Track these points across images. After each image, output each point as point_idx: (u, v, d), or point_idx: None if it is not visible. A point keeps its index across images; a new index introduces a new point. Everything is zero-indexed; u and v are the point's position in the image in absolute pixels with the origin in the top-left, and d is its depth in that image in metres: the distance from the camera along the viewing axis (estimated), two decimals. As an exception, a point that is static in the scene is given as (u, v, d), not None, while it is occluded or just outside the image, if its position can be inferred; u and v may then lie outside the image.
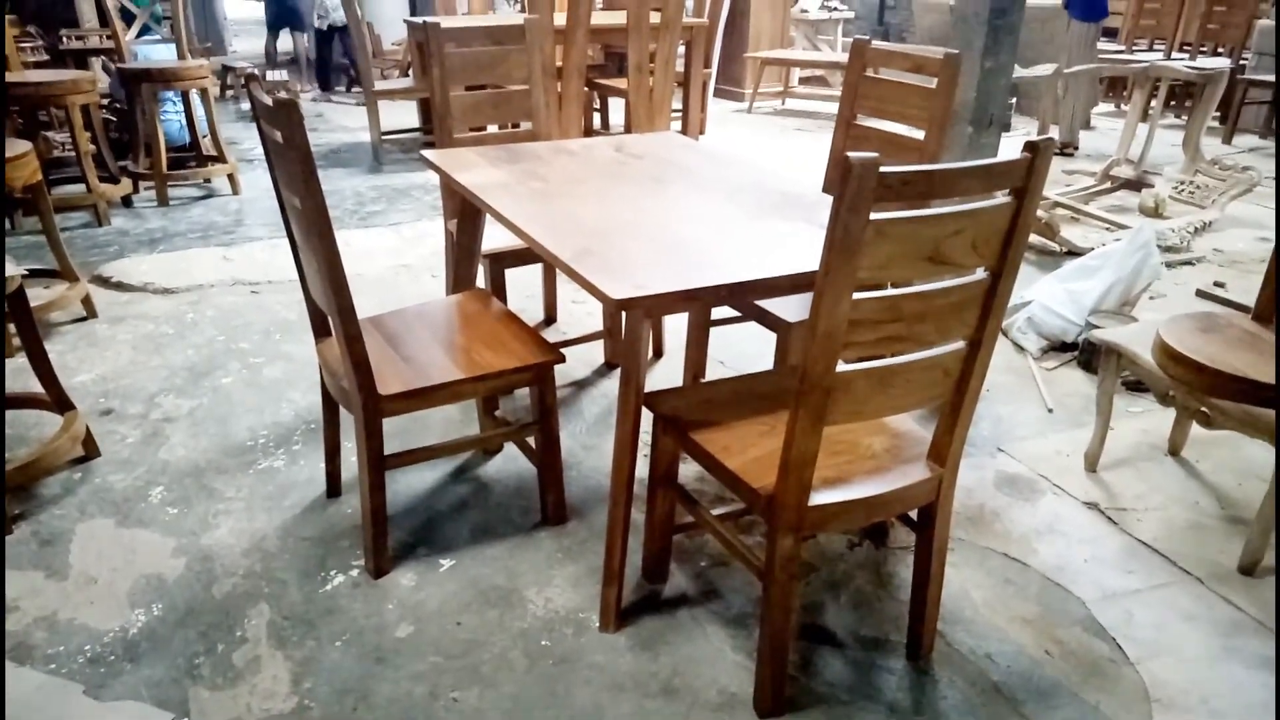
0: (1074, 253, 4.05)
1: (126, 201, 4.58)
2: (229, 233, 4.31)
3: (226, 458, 2.53)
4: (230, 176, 4.87)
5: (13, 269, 2.20)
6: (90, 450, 2.50)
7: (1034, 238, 4.30)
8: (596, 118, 6.69)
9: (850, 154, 1.27)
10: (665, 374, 3.03)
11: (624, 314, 1.75)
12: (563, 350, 2.89)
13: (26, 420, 2.65)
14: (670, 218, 2.03)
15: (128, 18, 4.68)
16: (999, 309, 1.53)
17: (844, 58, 8.35)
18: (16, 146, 3.07)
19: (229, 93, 7.92)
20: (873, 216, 1.32)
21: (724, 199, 2.18)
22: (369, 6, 8.45)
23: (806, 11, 8.60)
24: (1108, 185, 5.18)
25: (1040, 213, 4.24)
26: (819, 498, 1.60)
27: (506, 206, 2.07)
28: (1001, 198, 1.43)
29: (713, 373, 2.94)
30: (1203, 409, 2.17)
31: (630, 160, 2.52)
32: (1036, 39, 6.91)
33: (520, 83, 2.99)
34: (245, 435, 2.64)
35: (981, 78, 2.72)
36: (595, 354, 3.12)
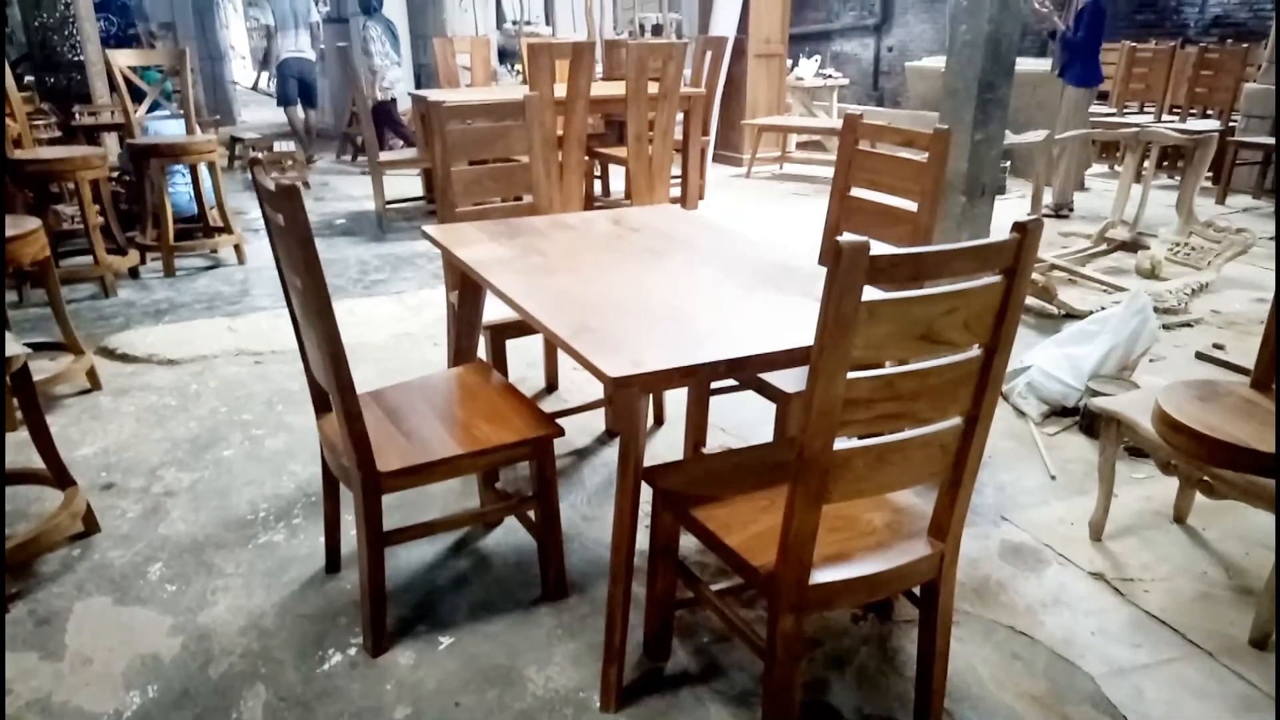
0: (1072, 315, 4.07)
1: (134, 273, 4.64)
2: (234, 303, 4.35)
3: (226, 532, 2.52)
4: (236, 247, 4.93)
5: (16, 348, 2.22)
6: (90, 526, 2.49)
7: (1032, 300, 4.33)
8: (598, 185, 6.79)
9: (841, 238, 1.29)
10: (667, 441, 3.03)
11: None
12: (564, 418, 2.91)
13: (27, 495, 2.64)
14: (667, 292, 2.05)
15: (138, 95, 4.79)
16: (994, 385, 1.54)
17: (839, 123, 8.54)
18: (25, 223, 3.12)
19: (237, 163, 8.06)
20: (865, 298, 1.33)
21: (721, 272, 2.21)
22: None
23: (802, 79, 8.79)
24: (1104, 247, 5.22)
25: (1037, 276, 4.28)
26: (820, 576, 1.59)
27: (506, 282, 2.09)
28: (992, 277, 1.45)
29: (714, 440, 2.94)
30: (1205, 478, 2.16)
31: (628, 233, 2.55)
32: (1028, 104, 7.04)
33: (520, 156, 3.05)
34: (246, 509, 2.63)
35: (972, 149, 2.77)
36: (596, 422, 3.12)
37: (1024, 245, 1.43)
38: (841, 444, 1.45)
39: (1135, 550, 2.44)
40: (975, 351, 1.51)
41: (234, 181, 7.52)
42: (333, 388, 1.86)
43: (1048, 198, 6.25)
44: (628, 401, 1.75)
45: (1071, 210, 6.27)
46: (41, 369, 3.38)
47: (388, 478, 1.94)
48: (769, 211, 6.47)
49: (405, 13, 9.18)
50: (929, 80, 8.74)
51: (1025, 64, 7.31)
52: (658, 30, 10.40)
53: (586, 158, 5.89)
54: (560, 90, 5.18)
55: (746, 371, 1.94)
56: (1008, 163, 7.13)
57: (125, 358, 3.70)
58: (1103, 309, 3.94)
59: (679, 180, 6.19)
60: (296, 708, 1.90)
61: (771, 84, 8.24)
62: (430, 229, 2.57)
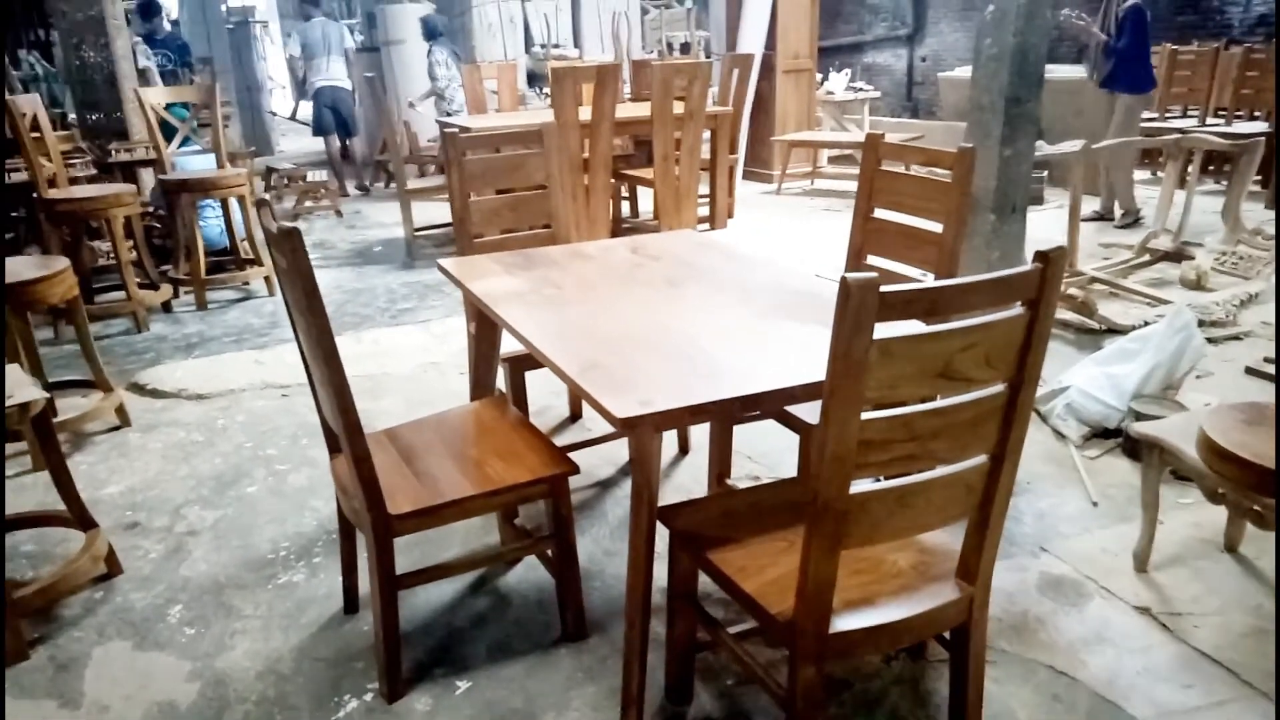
0: (1114, 330, 3.94)
1: (166, 307, 4.70)
2: (262, 335, 4.37)
3: (247, 572, 2.50)
4: (266, 279, 4.98)
5: (34, 392, 2.23)
6: (113, 568, 2.49)
7: (1072, 316, 4.20)
8: (626, 207, 6.77)
9: (848, 275, 1.23)
10: (691, 471, 2.96)
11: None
12: (587, 449, 2.86)
13: (52, 537, 2.65)
14: (683, 324, 1.99)
15: (171, 132, 4.86)
16: (1021, 422, 1.46)
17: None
18: (54, 264, 3.16)
19: (271, 193, 8.17)
20: (877, 336, 1.27)
21: (739, 301, 2.15)
22: (405, 104, 8.73)
23: (832, 93, 8.71)
24: (1146, 258, 5.07)
25: (1075, 290, 4.15)
26: (841, 623, 1.52)
27: (517, 317, 2.05)
28: (1014, 310, 1.38)
29: (740, 469, 2.87)
30: (1256, 507, 2.04)
31: (646, 262, 2.50)
32: (1064, 111, 6.89)
33: (540, 185, 3.01)
34: (267, 547, 2.61)
35: (1001, 165, 2.68)
36: (620, 452, 3.06)
37: (1047, 275, 1.36)
38: (859, 487, 1.39)
39: (1184, 582, 2.33)
40: (999, 387, 1.43)
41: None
42: (341, 430, 1.83)
43: (1089, 207, 6.09)
44: (640, 441, 1.69)
45: (1140, 218, 6.04)
46: (73, 406, 3.42)
47: (398, 520, 1.90)
48: (799, 229, 6.39)
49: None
50: (962, 90, 8.61)
51: (1062, 71, 7.16)
52: (686, 49, 10.38)
53: (614, 180, 5.87)
54: (586, 114, 5.17)
55: (762, 408, 1.88)
56: (1045, 172, 6.98)
57: (155, 393, 3.73)
58: (1145, 324, 3.81)
59: (707, 200, 6.15)
60: (310, 758, 1.86)
61: (801, 99, 8.17)
62: (445, 262, 2.54)
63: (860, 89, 8.92)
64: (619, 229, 6.22)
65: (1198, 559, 2.42)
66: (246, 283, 5.07)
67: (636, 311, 2.10)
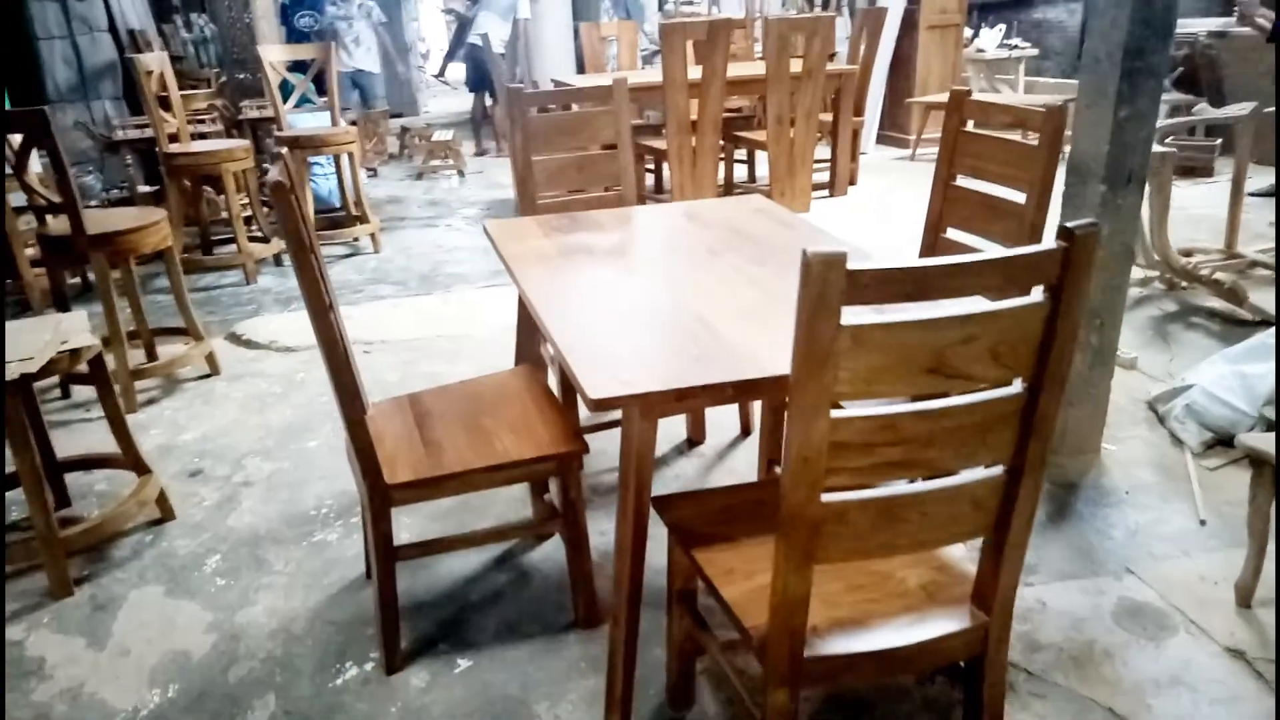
0: (1268, 323, 3.45)
1: (277, 260, 4.86)
2: (358, 291, 4.45)
3: (286, 527, 2.52)
4: (372, 235, 5.06)
5: (88, 338, 2.29)
6: (165, 513, 2.56)
7: (1218, 304, 3.72)
8: (744, 170, 6.52)
9: (811, 250, 1.04)
10: (748, 456, 2.78)
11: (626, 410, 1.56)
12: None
13: (124, 480, 2.74)
14: (703, 298, 1.82)
15: (290, 90, 5.00)
16: (1042, 430, 1.23)
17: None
18: (151, 215, 3.28)
19: (405, 152, 8.36)
20: (847, 321, 1.07)
21: (775, 275, 1.95)
22: (535, 65, 8.73)
23: (984, 51, 8.09)
24: (1324, 240, 4.43)
25: (1222, 275, 3.67)
26: (825, 645, 1.34)
27: (531, 282, 1.94)
28: (1031, 297, 1.14)
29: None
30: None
31: (695, 230, 2.33)
32: (1239, 73, 6.13)
33: (610, 145, 2.87)
34: (311, 503, 2.63)
35: (1115, 128, 2.33)
36: (666, 435, 2.91)
37: (1072, 258, 1.12)
38: (837, 496, 1.20)
39: (1296, 623, 1.98)
40: (1015, 389, 1.20)
41: (399, 170, 7.81)
42: (335, 394, 1.78)
43: (1264, 180, 5.40)
44: (628, 423, 1.55)
45: None
46: (166, 353, 3.56)
47: (396, 490, 1.84)
48: (922, 198, 5.96)
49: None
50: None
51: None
52: (828, 5, 9.91)
53: (726, 142, 5.65)
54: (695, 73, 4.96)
55: (762, 395, 1.70)
56: (1218, 141, 6.25)
57: (248, 344, 3.85)
58: (1302, 316, 3.31)
59: (827, 165, 5.83)
60: (298, 722, 1.84)
61: (946, 57, 7.62)
62: (491, 224, 2.45)
63: (1015, 46, 8.25)
64: (730, 193, 6.00)
65: (1320, 597, 2.06)
66: (356, 239, 5.18)
67: (657, 282, 1.95)
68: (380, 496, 1.83)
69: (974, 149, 2.22)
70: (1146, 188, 3.69)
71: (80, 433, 3.09)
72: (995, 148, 2.16)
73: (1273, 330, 2.79)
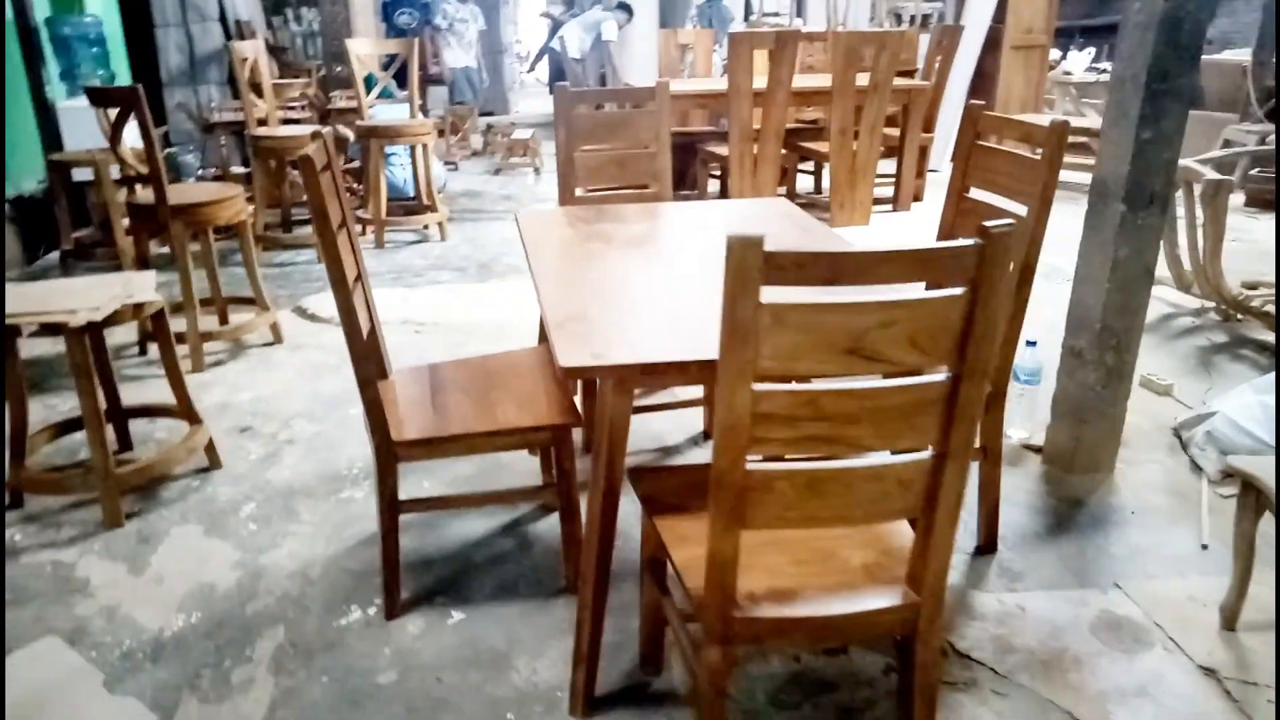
0: (1320, 358, 3.36)
1: (350, 242, 5.12)
2: (418, 275, 4.67)
3: (319, 483, 2.71)
4: (440, 224, 5.29)
5: (152, 294, 2.52)
6: (213, 462, 2.78)
7: (1271, 337, 3.63)
8: (810, 181, 6.56)
9: (732, 233, 1.14)
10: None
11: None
12: (661, 411, 2.84)
13: (181, 430, 2.97)
14: (699, 290, 1.93)
15: (377, 85, 5.28)
16: (964, 417, 1.29)
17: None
18: (227, 190, 3.54)
19: (488, 149, 8.65)
20: (768, 300, 1.17)
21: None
22: (623, 71, 8.94)
23: (1070, 74, 7.94)
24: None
25: (1272, 309, 3.58)
26: (760, 609, 1.43)
27: (541, 264, 2.07)
28: (952, 290, 1.22)
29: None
30: (1350, 572, 1.69)
31: (712, 227, 2.43)
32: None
33: (647, 145, 2.99)
34: (344, 464, 2.82)
35: (1137, 149, 2.34)
36: (695, 421, 3.01)
37: (987, 255, 1.19)
38: (763, 465, 1.29)
39: (1278, 649, 1.97)
40: (939, 377, 1.28)
41: (479, 165, 8.08)
42: (351, 357, 1.94)
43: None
44: (602, 394, 1.67)
45: None
46: (239, 321, 3.82)
47: (402, 447, 1.99)
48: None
49: (657, 8, 9.39)
50: (1227, 76, 7.61)
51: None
52: (916, 21, 9.84)
53: (790, 151, 5.71)
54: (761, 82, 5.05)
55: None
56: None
57: (312, 317, 4.10)
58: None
59: (892, 179, 5.83)
60: (301, 654, 2.01)
61: (1030, 78, 7.51)
62: (522, 214, 2.60)
63: (1105, 70, 8.07)
64: (793, 202, 6.05)
65: (1309, 627, 2.04)
66: (426, 226, 5.42)
67: (657, 271, 2.06)
68: (387, 452, 1.99)
69: (986, 162, 2.26)
70: (1200, 215, 3.64)
71: (151, 386, 3.35)
72: (1003, 161, 2.21)
73: (1303, 362, 2.74)
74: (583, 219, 2.50)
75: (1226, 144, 6.65)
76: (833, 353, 1.21)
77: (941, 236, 2.42)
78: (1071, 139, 7.49)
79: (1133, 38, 2.35)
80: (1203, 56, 7.41)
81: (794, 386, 1.25)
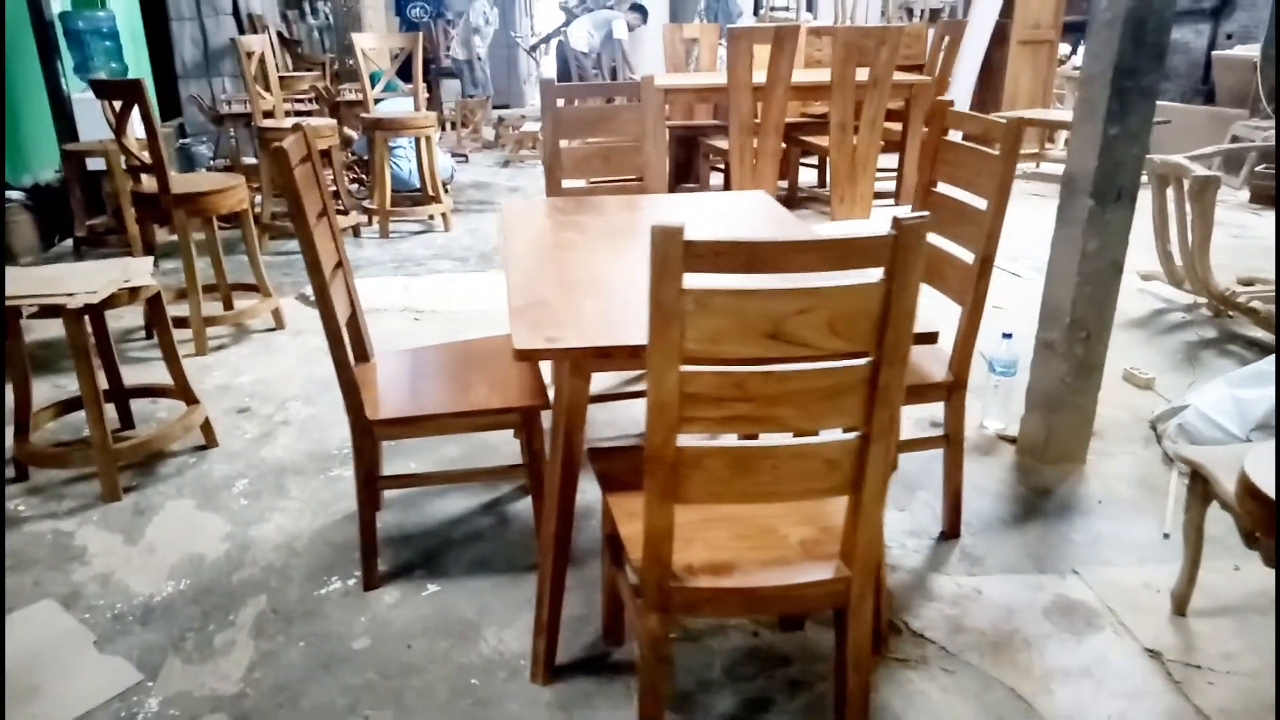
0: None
1: (356, 232, 5.23)
2: (420, 265, 4.77)
3: (310, 462, 2.81)
4: (444, 215, 5.39)
5: (148, 279, 2.63)
6: (210, 441, 2.89)
7: (1261, 333, 3.66)
8: (814, 175, 6.60)
9: (655, 223, 1.22)
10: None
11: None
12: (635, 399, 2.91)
13: (181, 409, 3.09)
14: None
15: (384, 79, 5.38)
16: (885, 400, 1.36)
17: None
18: (228, 181, 3.65)
19: (499, 141, 8.74)
20: (690, 286, 1.25)
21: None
22: (635, 66, 9.00)
23: (1079, 69, 7.91)
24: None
25: (1259, 304, 3.60)
26: (697, 580, 1.51)
27: (513, 252, 2.15)
28: (867, 278, 1.29)
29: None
30: (1281, 556, 1.74)
31: (688, 217, 2.50)
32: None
33: (632, 138, 3.06)
34: (336, 444, 2.91)
35: (1104, 145, 2.38)
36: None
37: (900, 245, 1.25)
38: (693, 441, 1.37)
39: (1225, 635, 2.02)
40: (861, 361, 1.35)
41: (490, 157, 8.17)
42: (327, 339, 2.03)
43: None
44: (558, 376, 1.75)
45: None
46: (242, 307, 3.93)
47: (376, 425, 2.08)
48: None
49: (668, 4, 9.44)
50: (1239, 71, 7.57)
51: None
52: (934, 16, 9.82)
53: (791, 145, 5.76)
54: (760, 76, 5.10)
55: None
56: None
57: (314, 303, 4.18)
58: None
59: (893, 174, 5.86)
60: (281, 620, 2.11)
61: (1037, 74, 7.50)
62: (507, 203, 2.68)
63: (1117, 67, 8.03)
64: (794, 195, 6.10)
65: (1259, 613, 2.09)
66: (431, 217, 5.52)
67: (624, 260, 2.13)
68: (362, 430, 2.08)
69: (950, 157, 2.32)
70: (1189, 211, 3.67)
71: (155, 368, 3.46)
72: (966, 156, 2.26)
73: (1269, 357, 2.77)
74: (562, 210, 2.58)
75: (1235, 139, 6.63)
76: (754, 337, 1.29)
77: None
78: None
79: (1099, 35, 2.40)
80: (1216, 52, 7.37)
81: (722, 369, 1.32)
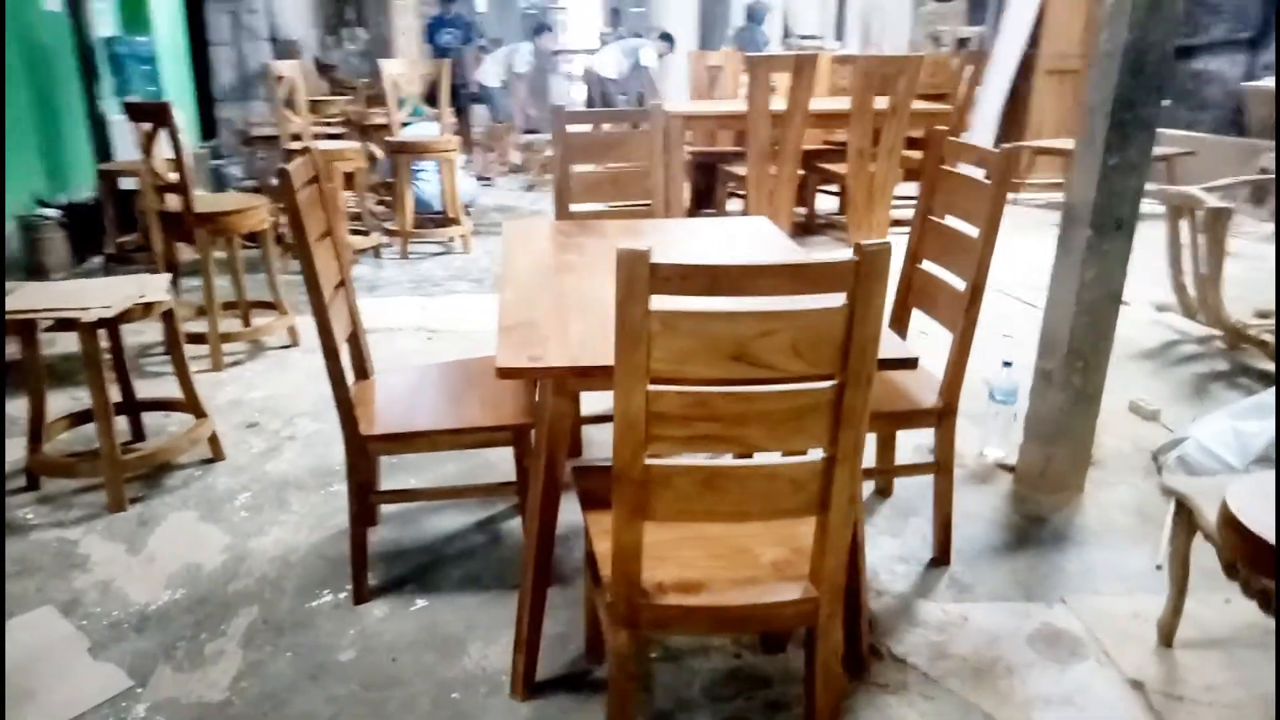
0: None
1: (377, 252, 5.33)
2: (437, 285, 4.85)
3: (312, 477, 2.86)
4: (463, 236, 5.47)
5: (163, 294, 2.70)
6: (217, 454, 2.95)
7: (1270, 366, 3.61)
8: (834, 202, 6.62)
9: (621, 247, 1.26)
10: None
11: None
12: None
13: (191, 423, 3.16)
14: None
15: (411, 107, 5.51)
16: (850, 422, 1.38)
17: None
18: (250, 201, 3.74)
19: (526, 165, 8.85)
20: (657, 308, 1.28)
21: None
22: (664, 92, 9.10)
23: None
24: None
25: (1269, 337, 3.56)
26: (668, 598, 1.53)
27: (511, 271, 2.19)
28: (830, 302, 1.31)
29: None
30: (1262, 587, 1.73)
31: (687, 242, 2.54)
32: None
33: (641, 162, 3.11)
34: (338, 459, 2.95)
35: (1103, 175, 2.39)
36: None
37: (863, 270, 1.28)
38: (660, 460, 1.39)
39: (1212, 667, 2.00)
40: (827, 384, 1.37)
41: (516, 181, 8.28)
42: (324, 356, 2.08)
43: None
44: (543, 396, 1.78)
45: None
46: (259, 324, 4.02)
47: (369, 441, 2.12)
48: (1008, 241, 5.91)
49: (698, 32, 9.54)
50: (1268, 103, 7.50)
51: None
52: (963, 44, 9.85)
53: (809, 172, 5.79)
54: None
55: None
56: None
57: (330, 322, 4.27)
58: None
59: (913, 202, 5.86)
60: (271, 631, 2.15)
61: (1064, 103, 7.49)
62: (509, 224, 2.74)
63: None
64: (812, 221, 6.12)
65: (1247, 647, 2.06)
66: (450, 239, 5.60)
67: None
68: (355, 445, 2.12)
69: (947, 185, 2.34)
70: (1203, 243, 3.65)
71: (171, 382, 3.54)
72: (961, 185, 2.28)
73: (1271, 389, 2.74)
74: (564, 232, 2.63)
75: (1263, 171, 6.57)
76: (719, 358, 1.31)
77: (908, 258, 2.50)
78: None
79: (1100, 66, 2.41)
80: (1246, 83, 7.30)
81: (688, 389, 1.35)
